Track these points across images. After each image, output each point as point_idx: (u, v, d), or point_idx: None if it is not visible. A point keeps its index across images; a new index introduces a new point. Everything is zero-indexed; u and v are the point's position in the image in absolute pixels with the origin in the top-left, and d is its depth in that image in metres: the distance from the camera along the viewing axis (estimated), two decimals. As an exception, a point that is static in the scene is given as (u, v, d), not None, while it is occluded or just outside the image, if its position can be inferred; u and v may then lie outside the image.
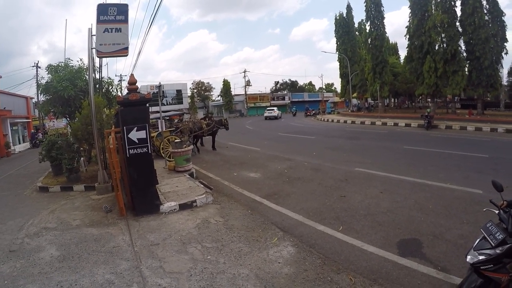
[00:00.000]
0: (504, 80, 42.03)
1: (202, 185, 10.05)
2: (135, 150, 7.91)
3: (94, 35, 10.19)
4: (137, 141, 7.90)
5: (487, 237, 3.44)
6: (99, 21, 9.98)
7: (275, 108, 58.80)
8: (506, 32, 31.88)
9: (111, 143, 8.35)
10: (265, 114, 56.28)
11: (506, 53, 32.16)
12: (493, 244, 3.34)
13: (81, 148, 13.06)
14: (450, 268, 4.83)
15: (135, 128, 7.87)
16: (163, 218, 7.68)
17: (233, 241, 6.18)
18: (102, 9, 10.04)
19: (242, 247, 5.88)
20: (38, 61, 49.67)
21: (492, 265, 3.29)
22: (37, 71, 39.64)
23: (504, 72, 40.28)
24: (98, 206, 9.05)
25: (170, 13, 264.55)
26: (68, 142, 12.49)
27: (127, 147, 7.86)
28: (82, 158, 13.08)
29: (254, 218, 7.45)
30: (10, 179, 15.40)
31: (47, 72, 14.03)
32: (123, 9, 10.30)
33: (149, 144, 8.08)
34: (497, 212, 3.70)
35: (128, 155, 7.90)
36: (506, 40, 31.93)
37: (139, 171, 8.02)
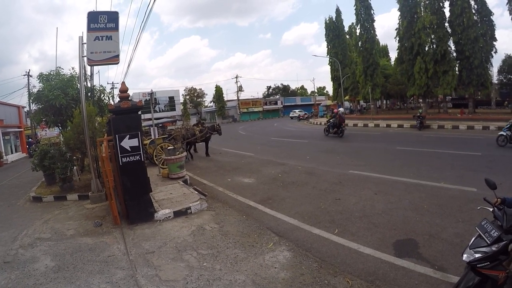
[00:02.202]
0: (495, 79, 42.44)
1: (196, 192, 10.00)
2: (127, 158, 7.86)
3: (85, 43, 10.12)
4: (129, 149, 7.84)
5: (483, 235, 3.45)
6: (89, 29, 9.92)
7: (296, 110, 68.47)
8: (495, 31, 32.25)
9: (103, 151, 8.30)
10: (290, 115, 69.17)
11: (496, 52, 32.65)
12: (488, 242, 3.34)
13: (74, 157, 12.96)
14: (447, 267, 4.82)
15: (128, 136, 7.82)
16: (157, 226, 7.63)
17: (229, 247, 6.14)
18: (92, 17, 9.98)
19: (238, 253, 5.84)
20: (29, 70, 49.21)
21: (488, 263, 3.30)
22: (28, 79, 39.31)
23: (494, 70, 40.68)
24: (92, 215, 8.96)
25: (161, 20, 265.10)
26: (60, 151, 12.41)
27: (119, 155, 7.80)
28: (75, 167, 12.98)
29: (249, 223, 7.41)
30: (3, 190, 15.25)
31: (38, 81, 13.92)
32: (113, 17, 10.24)
33: (141, 152, 8.03)
34: (491, 210, 3.70)
35: (121, 163, 7.84)
36: (495, 39, 32.36)
37: (132, 179, 7.97)
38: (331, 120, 25.08)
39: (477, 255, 3.36)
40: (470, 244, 3.57)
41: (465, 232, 5.86)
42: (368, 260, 5.29)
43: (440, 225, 6.42)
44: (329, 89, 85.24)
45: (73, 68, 14.39)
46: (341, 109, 25.74)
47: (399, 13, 36.72)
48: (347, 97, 55.74)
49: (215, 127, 19.96)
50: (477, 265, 3.36)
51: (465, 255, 3.48)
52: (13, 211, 10.56)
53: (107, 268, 5.64)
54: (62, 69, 14.37)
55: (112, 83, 46.62)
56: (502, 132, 16.06)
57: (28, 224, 8.72)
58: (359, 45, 45.08)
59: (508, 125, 16.03)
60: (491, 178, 3.89)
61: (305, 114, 65.04)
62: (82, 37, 10.25)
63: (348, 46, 54.98)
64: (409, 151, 15.59)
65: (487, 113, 32.97)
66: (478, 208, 4.11)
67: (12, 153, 34.42)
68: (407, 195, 8.51)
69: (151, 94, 16.44)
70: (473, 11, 31.76)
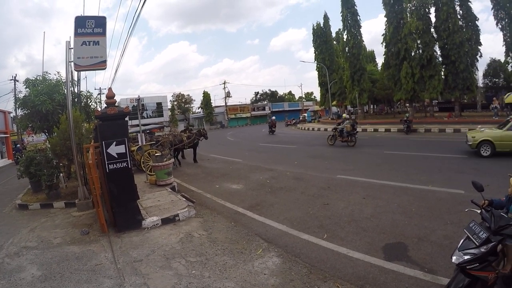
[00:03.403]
0: (480, 82, 43.03)
1: (184, 199, 9.93)
2: (114, 165, 7.77)
3: (72, 48, 10.02)
4: (116, 156, 7.76)
5: (471, 237, 3.47)
6: (76, 34, 9.80)
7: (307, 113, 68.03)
8: (480, 36, 32.74)
9: (90, 158, 8.20)
10: (307, 117, 67.74)
11: (481, 56, 33.12)
12: (477, 244, 3.36)
13: (61, 164, 12.78)
14: (436, 269, 4.84)
15: (114, 143, 7.74)
16: (145, 234, 7.54)
17: (218, 254, 6.09)
18: (79, 22, 9.86)
19: (227, 260, 5.79)
20: (16, 75, 48.44)
21: (478, 264, 3.32)
22: (15, 84, 38.55)
23: (480, 74, 41.26)
24: (79, 223, 8.84)
25: (149, 25, 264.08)
26: (47, 157, 12.23)
27: (106, 162, 7.71)
28: (61, 174, 12.80)
29: (237, 230, 7.37)
30: (-13, 198, 14.99)
31: (25, 86, 13.78)
32: (100, 22, 10.15)
33: (128, 159, 7.94)
34: (479, 211, 3.73)
35: (107, 170, 7.75)
36: (480, 44, 32.81)
37: (119, 186, 7.87)
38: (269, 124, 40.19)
39: (466, 257, 3.38)
40: (459, 246, 3.58)
41: (454, 234, 5.90)
42: (357, 264, 5.29)
43: (428, 227, 6.46)
44: (317, 94, 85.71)
45: (58, 73, 14.24)
46: (273, 117, 42.48)
47: (385, 19, 37.10)
48: (334, 102, 56.05)
49: (201, 132, 19.97)
50: (467, 267, 3.37)
51: (454, 257, 3.50)
52: (-2, 220, 10.38)
53: (94, 277, 5.56)
54: (49, 74, 14.24)
55: (99, 88, 46.18)
56: (333, 133, 22.65)
57: (14, 233, 8.57)
58: (346, 50, 45.40)
59: (333, 128, 22.97)
60: (478, 180, 3.92)
61: (293, 119, 65.33)
62: (69, 42, 10.15)
63: (335, 52, 55.37)
64: (397, 155, 15.69)
65: (473, 116, 33.31)
66: (466, 210, 4.13)
67: (-3, 159, 33.94)
68: (395, 199, 8.55)
69: (139, 100, 16.36)
70: (459, 17, 32.17)
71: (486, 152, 13.66)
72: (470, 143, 14.21)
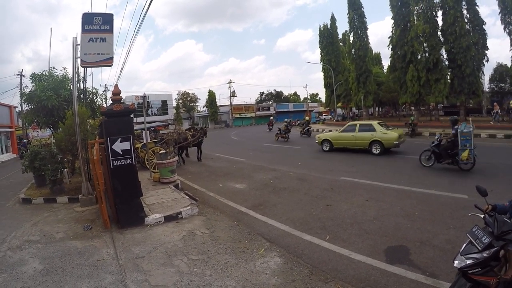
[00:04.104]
0: (486, 87, 42.87)
1: (188, 197, 9.94)
2: (119, 161, 7.79)
3: (79, 45, 10.04)
4: (121, 152, 7.78)
5: (474, 242, 3.46)
6: (84, 31, 9.82)
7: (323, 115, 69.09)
8: (487, 40, 32.60)
9: (95, 154, 8.23)
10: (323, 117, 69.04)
11: (487, 61, 33.00)
12: (479, 248, 3.36)
13: (65, 159, 12.83)
14: (438, 274, 4.83)
15: (119, 139, 7.75)
16: (148, 231, 7.55)
17: (219, 253, 6.09)
18: (87, 18, 9.88)
19: (229, 258, 5.80)
20: (22, 70, 48.61)
21: (479, 269, 3.31)
22: (21, 79, 38.71)
23: (486, 79, 41.12)
24: (82, 219, 8.86)
25: (156, 23, 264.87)
26: (51, 152, 12.26)
27: (111, 158, 7.73)
28: (65, 169, 12.84)
29: (240, 229, 7.37)
30: (-9, 192, 15.05)
31: (31, 81, 13.84)
32: (108, 19, 10.16)
33: (133, 156, 7.96)
34: (482, 216, 3.72)
35: (112, 167, 7.77)
36: (486, 48, 32.66)
37: (123, 182, 7.89)
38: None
39: (468, 262, 3.37)
40: (461, 250, 3.57)
41: (457, 238, 5.88)
42: (359, 266, 5.28)
43: (431, 231, 6.44)
44: (322, 95, 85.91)
45: (64, 68, 14.30)
46: (271, 118, 51.32)
47: (392, 21, 37.05)
48: (339, 104, 56.02)
49: (204, 130, 20.17)
50: (469, 271, 3.37)
51: (456, 262, 3.49)
52: (1, 213, 10.40)
53: (96, 273, 5.57)
54: (56, 69, 14.29)
55: (105, 85, 46.21)
56: (277, 132, 28.60)
57: (17, 226, 8.60)
58: (352, 52, 45.46)
59: (278, 128, 28.11)
60: (482, 185, 3.90)
61: (298, 120, 65.33)
62: (76, 38, 10.16)
63: (341, 53, 55.45)
64: (401, 158, 15.64)
65: (478, 121, 33.08)
66: (469, 214, 4.12)
67: (2, 153, 34.01)
68: (398, 202, 8.53)
69: (144, 97, 16.40)
70: (466, 20, 32.07)
71: (326, 147, 19.71)
72: (316, 141, 20.60)
